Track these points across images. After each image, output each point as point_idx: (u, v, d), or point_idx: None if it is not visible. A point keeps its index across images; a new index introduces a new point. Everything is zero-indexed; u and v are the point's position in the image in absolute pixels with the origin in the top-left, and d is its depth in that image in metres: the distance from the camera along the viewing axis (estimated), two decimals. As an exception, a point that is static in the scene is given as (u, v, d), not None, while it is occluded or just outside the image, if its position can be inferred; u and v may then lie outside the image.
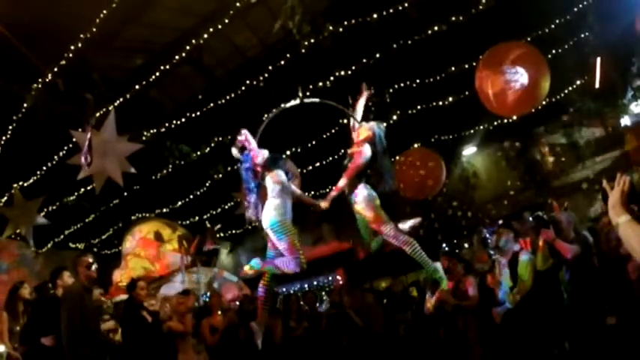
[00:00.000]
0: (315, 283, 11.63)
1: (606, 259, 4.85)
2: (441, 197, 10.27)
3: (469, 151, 10.36)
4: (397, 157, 8.30)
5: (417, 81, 7.76)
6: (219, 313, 6.59)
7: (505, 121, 8.60)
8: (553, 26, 6.84)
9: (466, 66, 7.01)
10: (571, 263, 4.88)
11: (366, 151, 3.82)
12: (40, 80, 6.29)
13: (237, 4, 6.03)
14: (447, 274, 6.44)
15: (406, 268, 10.20)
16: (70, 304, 4.49)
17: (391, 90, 7.93)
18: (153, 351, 5.08)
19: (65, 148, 7.38)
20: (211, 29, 6.42)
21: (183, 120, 7.70)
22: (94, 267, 4.80)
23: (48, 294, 5.11)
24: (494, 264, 5.75)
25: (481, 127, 9.34)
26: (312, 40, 6.18)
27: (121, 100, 6.95)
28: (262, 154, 3.93)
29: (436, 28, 6.49)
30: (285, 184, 3.77)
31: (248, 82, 7.16)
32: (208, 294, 7.68)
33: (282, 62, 6.80)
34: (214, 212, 10.93)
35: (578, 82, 8.08)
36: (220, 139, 8.25)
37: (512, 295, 5.08)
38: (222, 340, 6.20)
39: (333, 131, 8.28)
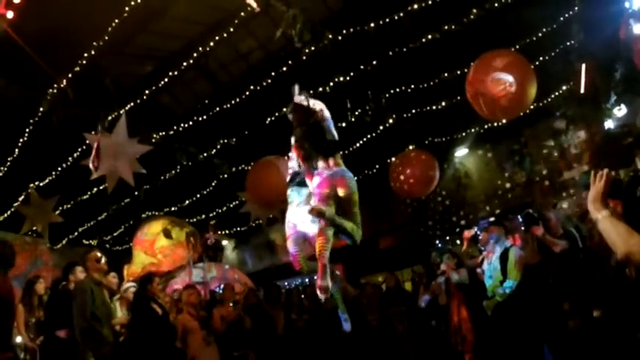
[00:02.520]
0: (315, 277, 11.59)
1: (591, 253, 4.87)
2: (435, 196, 10.28)
3: (461, 152, 10.35)
4: (393, 159, 8.31)
5: (412, 86, 7.74)
6: (231, 305, 6.61)
7: (495, 124, 8.60)
8: (540, 35, 6.83)
9: (458, 72, 7.00)
10: (559, 257, 4.90)
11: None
12: (55, 86, 6.29)
13: (242, 14, 6.03)
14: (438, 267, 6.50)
15: (401, 264, 10.22)
16: (80, 299, 4.50)
17: (387, 95, 7.93)
18: (163, 343, 5.08)
19: (79, 149, 7.38)
20: (217, 37, 6.41)
21: (190, 123, 7.70)
22: (103, 260, 4.81)
23: (61, 288, 5.13)
24: (484, 259, 5.76)
25: (472, 130, 9.33)
26: (313, 48, 6.18)
27: (132, 104, 6.94)
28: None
29: (430, 36, 6.47)
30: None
31: (252, 87, 7.15)
32: (222, 286, 7.66)
33: (284, 68, 6.79)
34: (220, 211, 10.94)
35: (564, 88, 8.07)
36: (226, 141, 8.25)
37: (502, 289, 5.09)
38: (229, 331, 6.22)
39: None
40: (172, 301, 6.53)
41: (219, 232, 10.65)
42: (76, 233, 10.74)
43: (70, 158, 7.76)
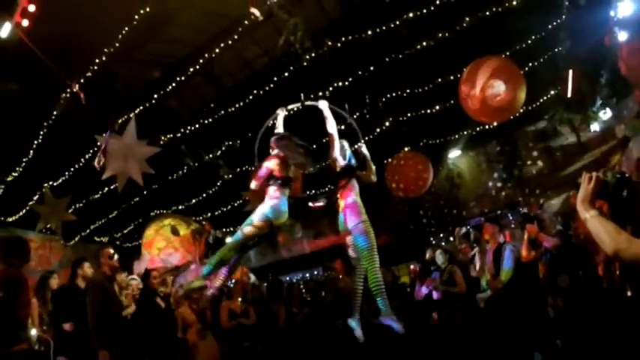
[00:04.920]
0: (315, 272, 11.59)
1: (578, 250, 4.87)
2: (429, 196, 10.27)
3: (454, 154, 10.35)
4: (390, 160, 8.30)
5: (408, 91, 7.75)
6: (239, 299, 6.55)
7: (486, 127, 8.59)
8: (529, 42, 6.83)
9: (451, 77, 6.99)
10: (551, 253, 4.90)
11: None
12: (67, 90, 6.28)
13: (246, 22, 6.01)
14: (435, 264, 6.47)
15: (398, 260, 10.21)
16: (93, 293, 4.49)
17: (384, 99, 7.93)
18: (164, 333, 5.08)
19: (90, 151, 7.37)
20: (222, 44, 6.40)
21: (196, 126, 7.69)
22: (115, 257, 4.81)
23: (69, 283, 5.11)
24: (475, 255, 5.74)
25: (465, 133, 9.33)
26: (313, 54, 6.17)
27: (141, 108, 6.93)
28: None
29: (424, 43, 6.47)
30: None
31: (255, 91, 7.14)
32: (234, 280, 7.62)
33: (286, 74, 6.78)
34: (224, 209, 10.91)
35: (552, 93, 8.07)
36: (230, 143, 8.24)
37: (493, 283, 5.07)
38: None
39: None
40: (175, 295, 6.50)
41: (224, 230, 10.62)
42: (88, 231, 10.72)
43: (82, 159, 7.75)
